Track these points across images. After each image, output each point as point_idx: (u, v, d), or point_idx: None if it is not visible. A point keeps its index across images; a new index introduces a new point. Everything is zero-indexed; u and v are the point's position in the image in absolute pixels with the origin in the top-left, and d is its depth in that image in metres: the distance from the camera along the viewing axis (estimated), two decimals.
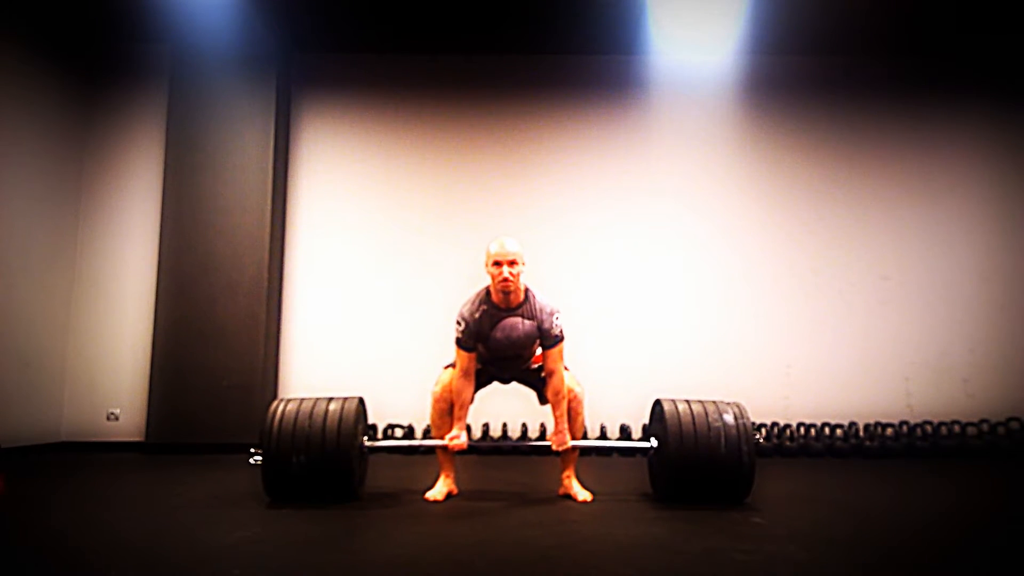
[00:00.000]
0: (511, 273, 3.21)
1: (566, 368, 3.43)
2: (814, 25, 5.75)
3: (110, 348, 5.87)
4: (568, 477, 3.49)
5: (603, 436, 5.66)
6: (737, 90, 6.22)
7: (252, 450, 3.37)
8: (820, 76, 6.31)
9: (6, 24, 5.24)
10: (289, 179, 6.19)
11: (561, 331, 3.33)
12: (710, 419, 3.25)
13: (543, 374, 3.45)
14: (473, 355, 3.36)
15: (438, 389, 3.45)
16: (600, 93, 6.31)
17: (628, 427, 5.62)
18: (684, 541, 2.56)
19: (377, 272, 6.11)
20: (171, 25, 5.69)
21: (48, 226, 5.66)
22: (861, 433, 5.65)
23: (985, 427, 5.63)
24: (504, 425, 5.63)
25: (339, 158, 6.25)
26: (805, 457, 5.47)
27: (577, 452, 3.53)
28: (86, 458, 5.28)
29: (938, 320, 6.03)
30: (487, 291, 3.34)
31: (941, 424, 5.61)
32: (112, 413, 5.79)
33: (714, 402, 3.38)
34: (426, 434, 5.64)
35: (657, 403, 3.49)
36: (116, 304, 5.94)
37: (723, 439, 3.21)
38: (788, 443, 5.56)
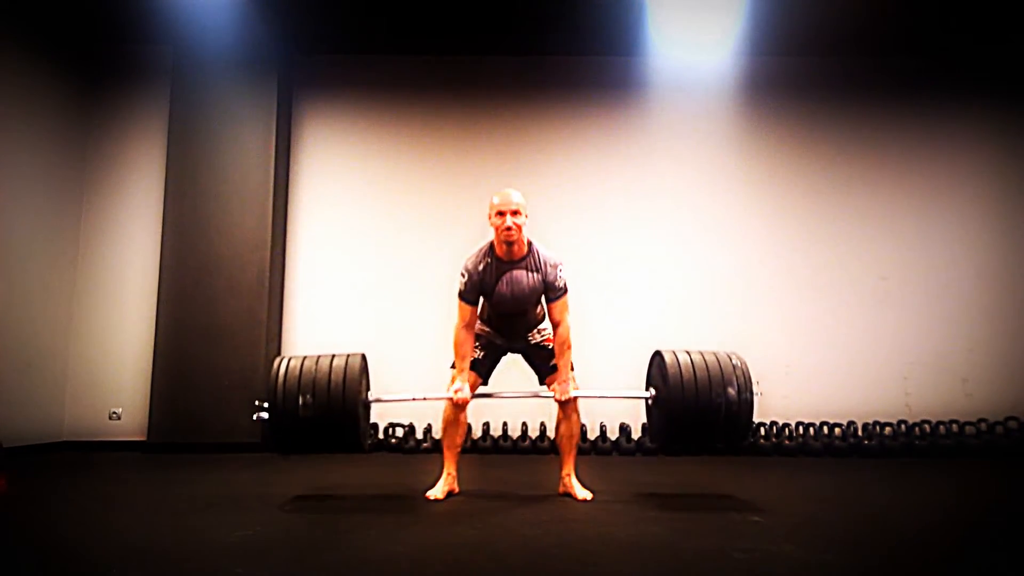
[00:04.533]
0: (514, 223, 3.25)
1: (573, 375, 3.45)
2: (814, 26, 5.75)
3: (112, 348, 5.89)
4: (568, 475, 3.51)
5: (603, 435, 5.69)
6: (736, 91, 6.22)
7: (257, 403, 3.35)
8: (820, 76, 6.31)
9: (8, 25, 5.25)
10: (290, 180, 6.20)
11: (565, 283, 3.35)
12: (713, 391, 3.21)
13: (547, 336, 3.51)
14: (474, 308, 3.38)
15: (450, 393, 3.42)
16: (600, 94, 6.32)
17: (627, 426, 5.65)
18: (684, 541, 2.57)
19: (378, 272, 6.13)
20: (173, 27, 5.70)
21: (50, 226, 5.68)
22: (860, 432, 5.66)
23: (983, 426, 5.64)
24: (504, 425, 5.65)
25: (340, 159, 6.27)
26: (804, 456, 5.48)
27: (576, 450, 3.55)
28: (88, 457, 5.31)
29: (936, 319, 6.04)
30: (491, 245, 3.37)
31: (939, 423, 5.63)
32: (114, 412, 5.81)
33: (716, 358, 3.30)
34: (427, 432, 5.67)
35: (657, 354, 3.45)
36: (118, 304, 5.95)
37: (723, 410, 3.21)
38: (787, 442, 5.58)
